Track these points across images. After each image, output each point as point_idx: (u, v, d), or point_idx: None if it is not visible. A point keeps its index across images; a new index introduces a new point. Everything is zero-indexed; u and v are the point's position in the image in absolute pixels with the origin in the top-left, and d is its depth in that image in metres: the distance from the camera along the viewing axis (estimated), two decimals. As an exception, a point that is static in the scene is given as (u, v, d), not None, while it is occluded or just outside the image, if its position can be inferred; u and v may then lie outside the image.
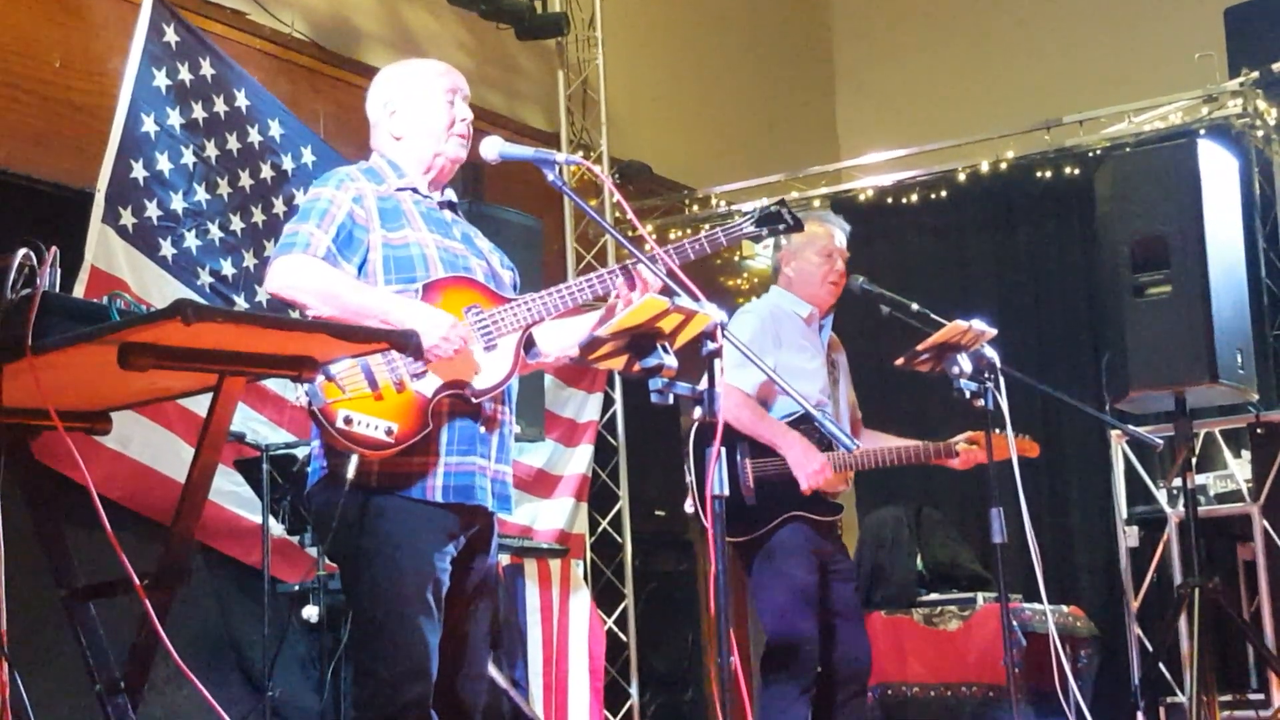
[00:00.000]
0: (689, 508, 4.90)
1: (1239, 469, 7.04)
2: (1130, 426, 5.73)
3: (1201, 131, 7.49)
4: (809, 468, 4.84)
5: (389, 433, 3.38)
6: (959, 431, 5.04)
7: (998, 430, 4.59)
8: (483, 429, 3.53)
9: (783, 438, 4.89)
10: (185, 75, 5.97)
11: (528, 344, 3.61)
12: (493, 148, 3.57)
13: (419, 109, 3.71)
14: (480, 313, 3.52)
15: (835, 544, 5.08)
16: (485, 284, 3.59)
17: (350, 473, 3.39)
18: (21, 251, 2.81)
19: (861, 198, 8.80)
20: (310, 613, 5.52)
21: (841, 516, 5.09)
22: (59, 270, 2.89)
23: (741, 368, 4.35)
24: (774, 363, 4.94)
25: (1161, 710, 6.94)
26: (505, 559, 6.36)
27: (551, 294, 3.53)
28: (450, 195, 3.78)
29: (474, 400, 3.49)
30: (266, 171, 6.25)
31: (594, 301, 3.58)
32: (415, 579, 3.39)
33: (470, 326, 3.48)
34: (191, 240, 5.93)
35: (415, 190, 3.69)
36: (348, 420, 3.36)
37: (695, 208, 9.20)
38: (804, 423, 4.88)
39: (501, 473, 3.59)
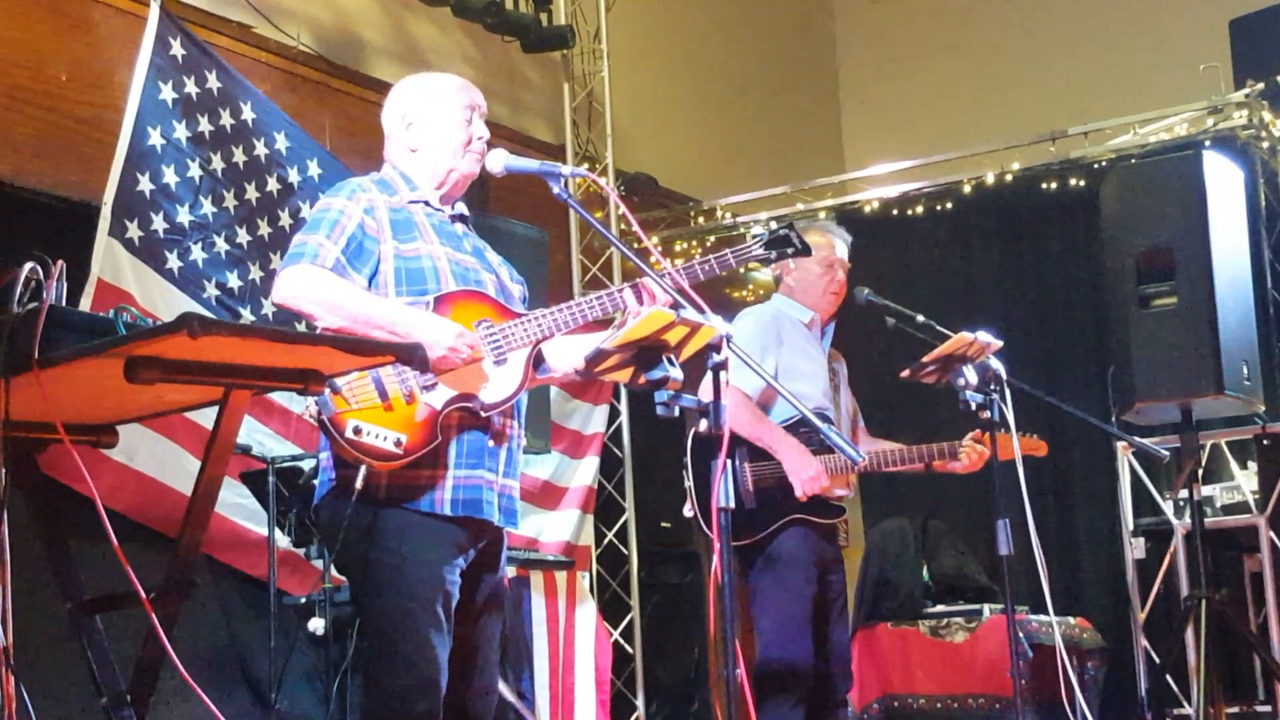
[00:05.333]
0: (688, 512, 4.91)
1: (1245, 480, 7.03)
2: (1136, 438, 5.71)
3: (1207, 143, 7.48)
4: (805, 473, 4.84)
5: (398, 444, 3.38)
6: (965, 444, 5.05)
7: (1003, 431, 4.59)
8: (491, 443, 3.53)
9: (779, 442, 4.89)
10: (191, 88, 5.98)
11: (537, 359, 3.61)
12: (498, 160, 3.58)
13: (437, 124, 3.71)
14: (491, 327, 3.52)
15: (834, 548, 5.08)
16: (496, 298, 3.59)
17: (359, 484, 3.39)
18: (28, 265, 2.82)
19: (867, 209, 8.79)
20: (316, 625, 5.50)
21: (845, 519, 5.08)
22: (65, 284, 2.89)
23: (743, 368, 4.35)
24: (775, 362, 4.96)
25: (1168, 722, 6.94)
26: (511, 571, 6.34)
27: (562, 310, 3.53)
28: (462, 208, 3.78)
29: (483, 414, 3.49)
30: (272, 184, 6.25)
31: (604, 318, 3.58)
32: (425, 592, 3.39)
33: (480, 338, 3.49)
34: (198, 253, 5.94)
35: (427, 203, 3.69)
36: (357, 430, 3.36)
37: (700, 220, 9.20)
38: (804, 426, 4.88)
39: (509, 487, 3.59)
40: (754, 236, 3.76)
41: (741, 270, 9.47)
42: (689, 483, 4.94)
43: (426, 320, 3.43)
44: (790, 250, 3.71)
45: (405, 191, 3.68)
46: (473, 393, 3.47)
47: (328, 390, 3.31)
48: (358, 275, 3.51)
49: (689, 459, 4.91)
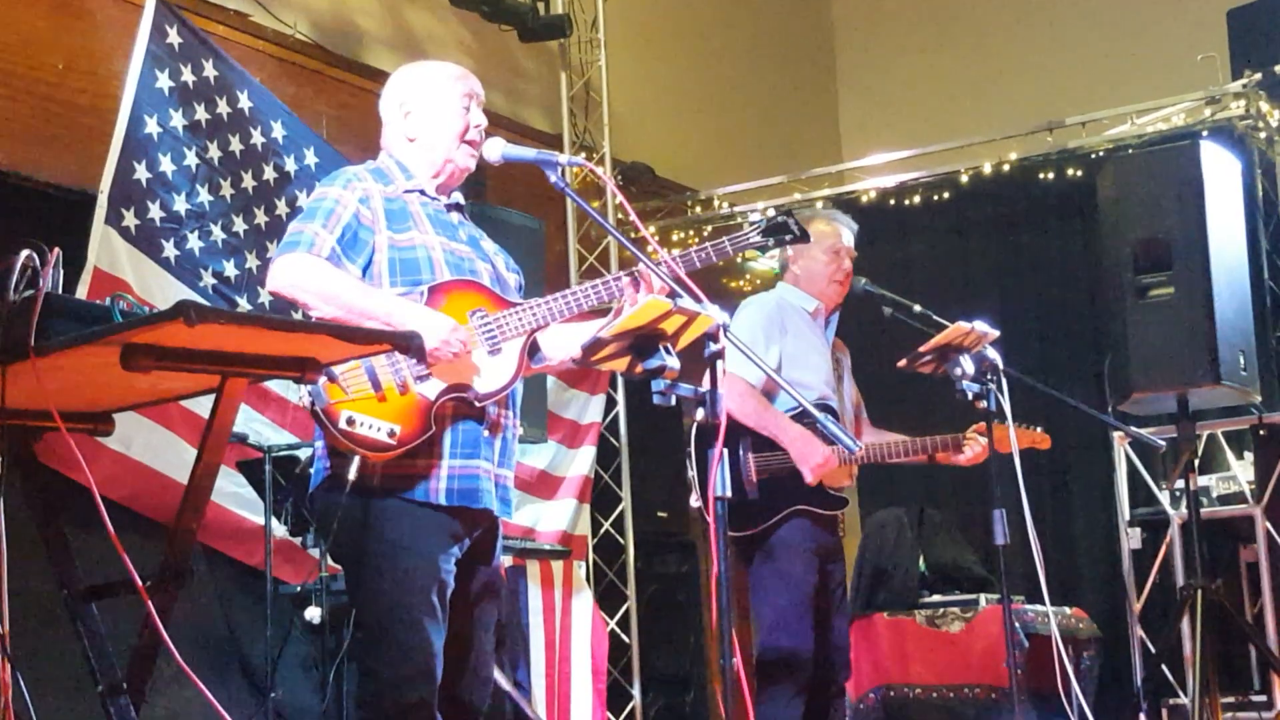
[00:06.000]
0: (694, 503, 4.90)
1: (1241, 470, 7.05)
2: (1133, 428, 5.72)
3: (1204, 133, 7.48)
4: (813, 460, 4.84)
5: (391, 434, 3.38)
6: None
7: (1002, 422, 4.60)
8: (486, 432, 3.52)
9: (785, 430, 4.89)
10: (188, 77, 5.97)
11: (532, 348, 3.61)
12: (495, 149, 3.57)
13: (434, 113, 3.69)
14: (485, 316, 3.51)
15: (835, 538, 5.08)
16: (490, 288, 3.59)
17: (352, 474, 3.39)
18: (24, 253, 2.81)
19: (864, 199, 8.79)
20: (312, 614, 5.52)
21: (845, 510, 5.09)
22: (62, 271, 2.89)
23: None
24: (780, 350, 4.97)
25: (1164, 711, 6.94)
26: (508, 560, 6.36)
27: (557, 299, 3.53)
28: (458, 197, 3.77)
29: (478, 404, 3.49)
30: (269, 173, 6.25)
31: (600, 306, 3.58)
32: (420, 581, 3.39)
33: (474, 330, 3.48)
34: (194, 241, 5.93)
35: (423, 192, 3.68)
36: (350, 421, 3.36)
37: (698, 209, 9.19)
38: (806, 417, 4.87)
39: (504, 476, 3.59)
40: (752, 223, 3.74)
41: (739, 259, 9.49)
42: (692, 473, 4.93)
43: (420, 314, 3.42)
44: (788, 237, 3.70)
45: (401, 180, 3.67)
46: (467, 383, 3.47)
47: (323, 380, 3.31)
48: (352, 265, 3.51)
49: (692, 449, 4.90)
